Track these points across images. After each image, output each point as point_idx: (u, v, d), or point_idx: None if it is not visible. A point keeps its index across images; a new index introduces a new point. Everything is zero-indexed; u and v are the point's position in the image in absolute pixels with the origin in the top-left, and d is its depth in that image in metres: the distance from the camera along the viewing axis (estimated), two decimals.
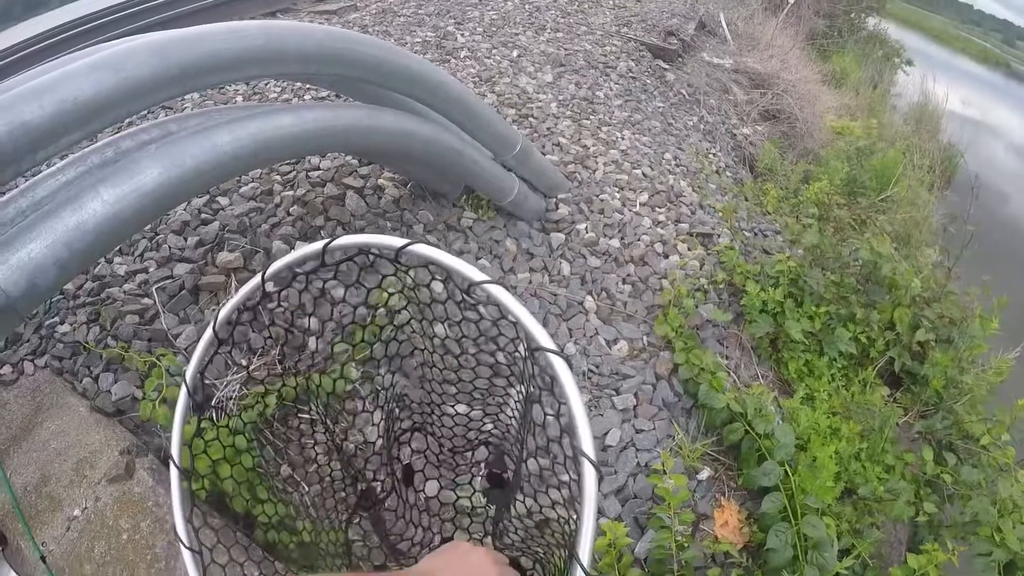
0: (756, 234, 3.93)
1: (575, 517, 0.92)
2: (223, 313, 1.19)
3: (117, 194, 1.61)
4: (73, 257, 1.55)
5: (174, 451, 1.15)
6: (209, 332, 1.18)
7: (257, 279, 1.16)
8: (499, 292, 0.98)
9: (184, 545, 1.08)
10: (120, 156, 1.82)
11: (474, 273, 0.99)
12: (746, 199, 4.34)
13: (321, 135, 2.12)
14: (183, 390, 1.17)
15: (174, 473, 1.13)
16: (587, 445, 0.85)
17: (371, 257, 1.14)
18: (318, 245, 1.11)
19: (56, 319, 2.32)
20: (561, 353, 0.89)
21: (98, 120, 1.54)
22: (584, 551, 0.81)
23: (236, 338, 2.11)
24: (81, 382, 2.11)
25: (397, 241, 1.03)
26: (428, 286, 1.31)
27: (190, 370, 1.18)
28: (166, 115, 2.90)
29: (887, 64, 14.03)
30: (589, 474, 0.84)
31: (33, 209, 1.64)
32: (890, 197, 5.88)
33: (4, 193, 1.70)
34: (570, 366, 0.89)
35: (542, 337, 0.92)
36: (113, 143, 1.88)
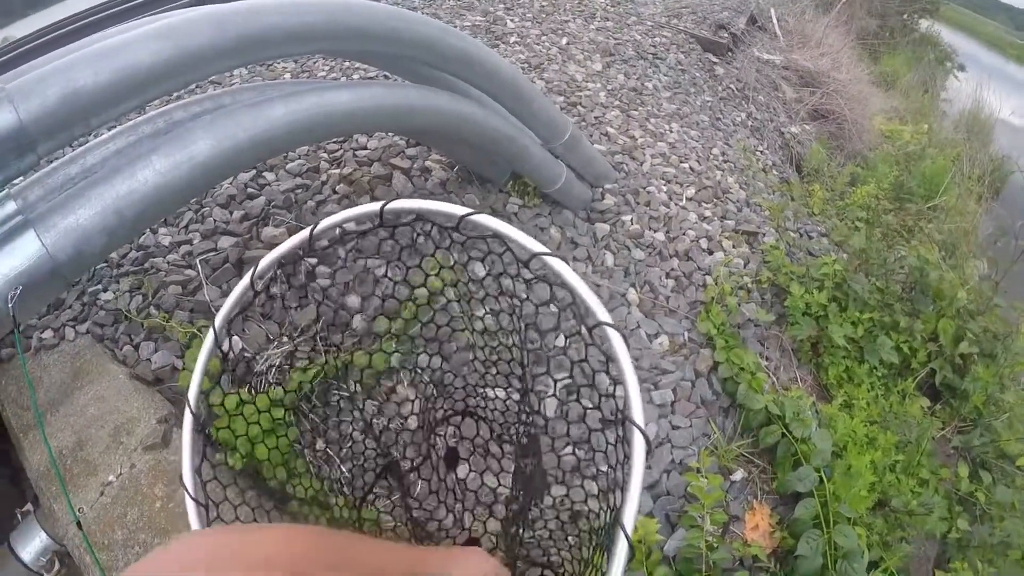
0: (802, 235, 3.88)
1: (607, 508, 0.92)
2: (264, 264, 1.17)
3: (169, 164, 1.61)
4: (122, 225, 1.55)
5: (191, 395, 1.11)
6: (246, 280, 1.16)
7: (305, 233, 1.13)
8: (560, 266, 0.95)
9: (189, 495, 1.05)
10: (172, 127, 1.82)
11: (534, 245, 0.96)
12: (792, 199, 4.27)
13: (377, 113, 2.10)
14: (210, 335, 1.14)
15: (187, 420, 1.10)
16: (638, 415, 0.85)
17: (430, 226, 1.12)
18: (375, 205, 1.09)
19: (99, 286, 2.33)
20: (618, 327, 0.89)
21: (154, 89, 1.54)
22: (628, 519, 0.80)
23: (277, 315, 2.13)
24: (122, 350, 2.13)
25: (459, 209, 1.02)
26: (466, 267, 1.29)
27: (219, 316, 1.15)
28: (214, 90, 2.91)
29: (939, 68, 13.73)
30: (639, 443, 0.84)
31: (83, 176, 1.64)
32: (938, 205, 5.75)
33: (54, 160, 1.70)
34: (626, 342, 0.89)
35: (601, 312, 0.91)
36: (165, 113, 1.88)
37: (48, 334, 2.19)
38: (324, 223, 1.13)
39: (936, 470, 2.80)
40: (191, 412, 1.10)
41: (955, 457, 3.09)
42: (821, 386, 3.08)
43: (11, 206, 1.50)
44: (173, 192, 1.64)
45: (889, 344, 3.14)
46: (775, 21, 8.21)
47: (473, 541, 1.71)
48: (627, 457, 0.85)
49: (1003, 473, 2.93)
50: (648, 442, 0.84)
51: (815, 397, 2.92)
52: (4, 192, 1.51)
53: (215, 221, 2.54)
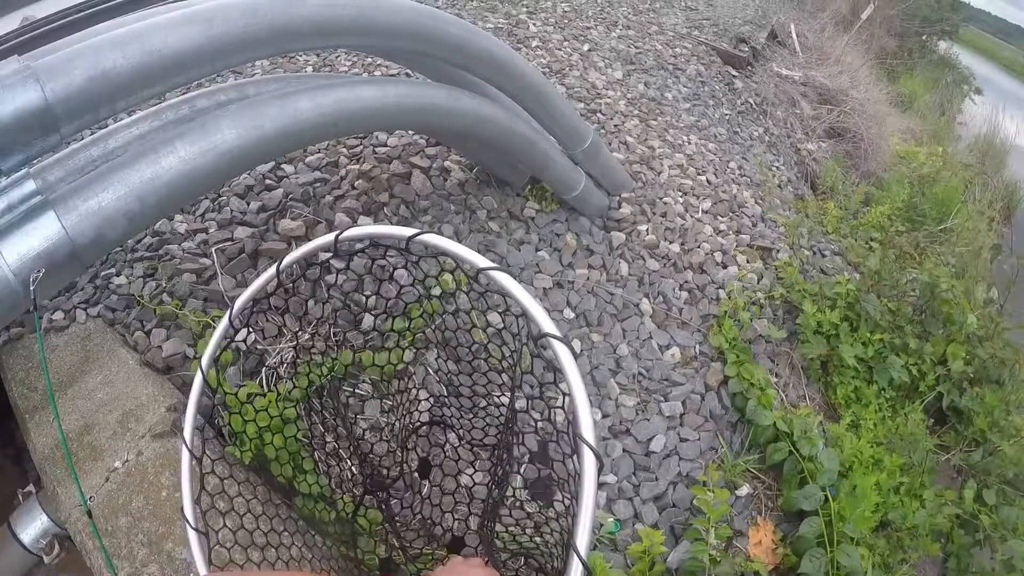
0: (815, 253, 3.87)
1: (570, 509, 0.92)
2: (239, 304, 1.24)
3: (194, 151, 1.60)
4: (143, 211, 1.54)
5: (186, 432, 1.15)
6: (225, 321, 1.24)
7: (272, 271, 1.20)
8: (504, 279, 0.99)
9: (190, 525, 1.08)
10: (196, 114, 1.83)
11: (480, 260, 1.01)
12: (807, 216, 4.26)
13: (401, 111, 2.11)
14: (198, 378, 1.19)
15: (185, 455, 1.13)
16: (588, 432, 0.85)
17: (383, 250, 1.17)
18: (330, 237, 1.16)
19: (112, 270, 2.32)
20: (565, 339, 0.90)
21: (183, 75, 1.53)
22: (582, 541, 0.80)
23: (293, 308, 2.13)
24: (133, 335, 2.12)
25: (406, 231, 1.07)
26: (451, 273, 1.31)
27: (205, 357, 1.22)
28: (236, 79, 2.90)
29: (956, 91, 13.69)
30: (589, 461, 0.83)
31: (104, 159, 1.63)
32: (949, 228, 5.74)
33: (74, 141, 1.69)
34: (573, 354, 0.89)
35: (546, 323, 0.92)
36: (189, 100, 1.88)
37: (59, 315, 2.18)
38: (287, 258, 1.21)
39: (941, 492, 2.79)
40: (187, 450, 1.13)
41: (959, 480, 3.08)
42: (829, 405, 3.07)
43: (30, 185, 1.49)
44: (197, 180, 1.63)
45: (899, 364, 3.13)
46: (795, 37, 8.20)
47: (458, 540, 1.73)
48: (579, 477, 0.84)
49: (1006, 496, 2.92)
50: (599, 460, 0.83)
51: (823, 416, 2.91)
52: (24, 171, 1.50)
53: (232, 211, 2.53)
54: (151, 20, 1.49)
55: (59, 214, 1.43)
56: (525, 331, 1.07)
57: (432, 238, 1.06)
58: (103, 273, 2.31)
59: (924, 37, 15.00)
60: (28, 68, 1.31)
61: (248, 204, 2.57)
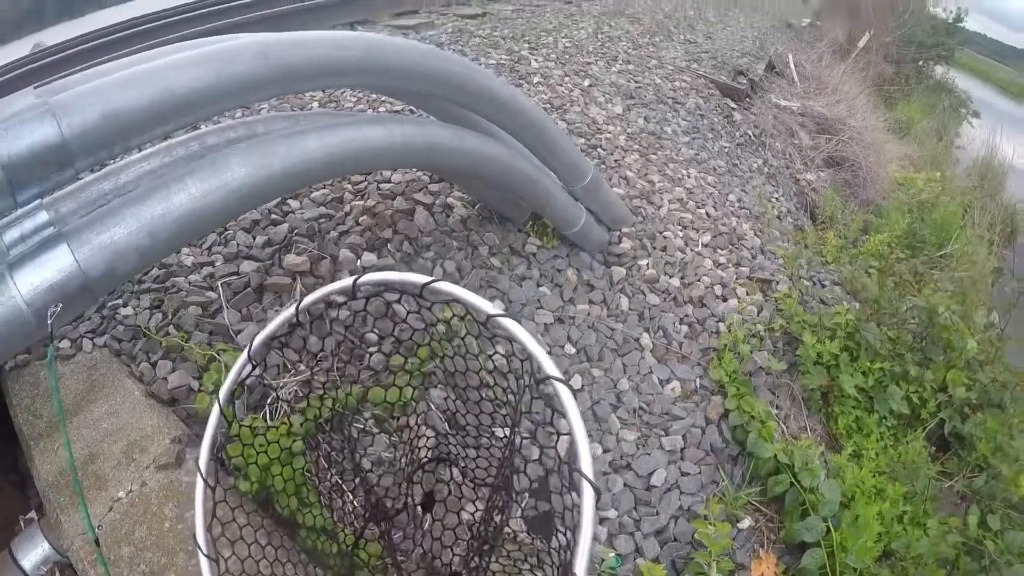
0: (815, 283, 3.91)
1: (570, 542, 0.98)
2: (258, 341, 1.30)
3: (204, 188, 1.65)
4: (155, 246, 1.58)
5: (202, 463, 1.21)
6: (244, 357, 1.29)
7: (291, 310, 1.28)
8: (511, 325, 1.08)
9: (202, 552, 1.14)
10: (206, 151, 1.88)
11: (488, 307, 1.11)
12: (806, 247, 4.31)
13: (406, 151, 2.17)
14: (215, 410, 1.24)
15: (200, 485, 1.18)
16: (586, 466, 0.92)
17: (398, 295, 1.25)
18: (348, 281, 1.25)
19: (119, 301, 2.34)
20: (566, 381, 0.97)
21: (194, 114, 1.59)
22: (580, 569, 0.85)
23: (295, 343, 2.17)
24: (138, 366, 2.13)
25: (421, 278, 1.16)
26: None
27: (223, 392, 1.29)
28: (244, 115, 2.96)
29: (953, 115, 13.81)
30: (588, 494, 0.90)
31: (116, 193, 1.68)
32: (949, 254, 5.78)
33: (87, 174, 1.71)
34: (574, 394, 0.96)
35: (549, 367, 1.00)
36: (199, 137, 1.93)
37: (65, 344, 2.20)
38: (307, 299, 1.28)
39: (945, 520, 2.79)
40: (202, 477, 1.18)
41: (964, 507, 3.08)
42: (831, 435, 3.09)
43: (43, 216, 1.53)
44: (207, 216, 1.68)
45: (900, 394, 3.15)
46: (793, 67, 8.32)
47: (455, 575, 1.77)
48: (576, 506, 0.90)
49: (1011, 521, 2.92)
50: (597, 492, 0.90)
51: (824, 446, 2.93)
52: (37, 202, 1.53)
53: (238, 245, 2.57)
54: (165, 60, 1.56)
55: (72, 247, 1.47)
56: (529, 373, 1.14)
57: (445, 286, 1.14)
58: (110, 303, 2.34)
59: (920, 63, 15.19)
60: (45, 104, 1.36)
61: (254, 238, 2.61)
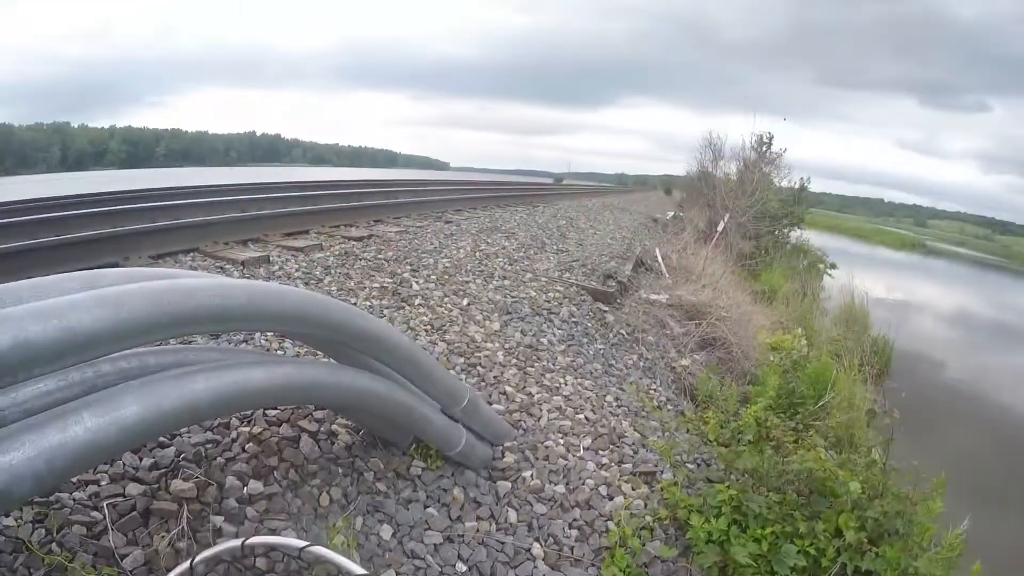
0: (699, 464, 4.12)
1: None
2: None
3: (99, 423, 1.74)
4: (51, 474, 1.64)
5: None
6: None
7: (186, 565, 1.44)
8: None
9: None
10: (100, 379, 1.96)
11: (357, 569, 1.37)
12: (687, 431, 4.59)
13: (289, 389, 2.37)
14: None
15: None
16: None
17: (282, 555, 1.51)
18: (237, 543, 1.54)
19: None
20: None
21: (93, 352, 1.71)
22: None
23: None
24: None
25: (298, 543, 1.43)
26: None
27: None
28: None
29: (812, 272, 15.17)
30: None
31: (13, 412, 1.74)
32: (827, 403, 6.21)
33: None
34: None
35: None
36: (93, 364, 2.00)
37: None
38: (201, 555, 1.49)
39: None
40: None
41: None
42: None
43: None
44: (101, 449, 1.76)
45: (794, 551, 3.30)
46: (660, 260, 9.15)
47: None
48: None
49: None
50: None
51: None
52: None
53: (124, 465, 2.54)
54: (70, 298, 1.69)
55: None
56: None
57: (320, 550, 1.40)
58: None
59: (776, 232, 16.79)
60: None
61: (141, 460, 2.59)
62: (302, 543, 1.41)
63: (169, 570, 1.76)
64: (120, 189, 9.34)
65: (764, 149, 18.72)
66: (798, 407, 5.94)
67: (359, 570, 1.36)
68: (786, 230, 18.36)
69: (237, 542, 1.47)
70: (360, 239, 7.51)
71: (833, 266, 16.93)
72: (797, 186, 21.01)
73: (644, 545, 3.13)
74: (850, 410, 6.53)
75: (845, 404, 6.57)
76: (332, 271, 5.90)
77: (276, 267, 5.86)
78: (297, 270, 5.82)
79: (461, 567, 2.79)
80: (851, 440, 6.12)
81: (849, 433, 6.22)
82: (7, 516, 2.23)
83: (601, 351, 5.57)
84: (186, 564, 1.48)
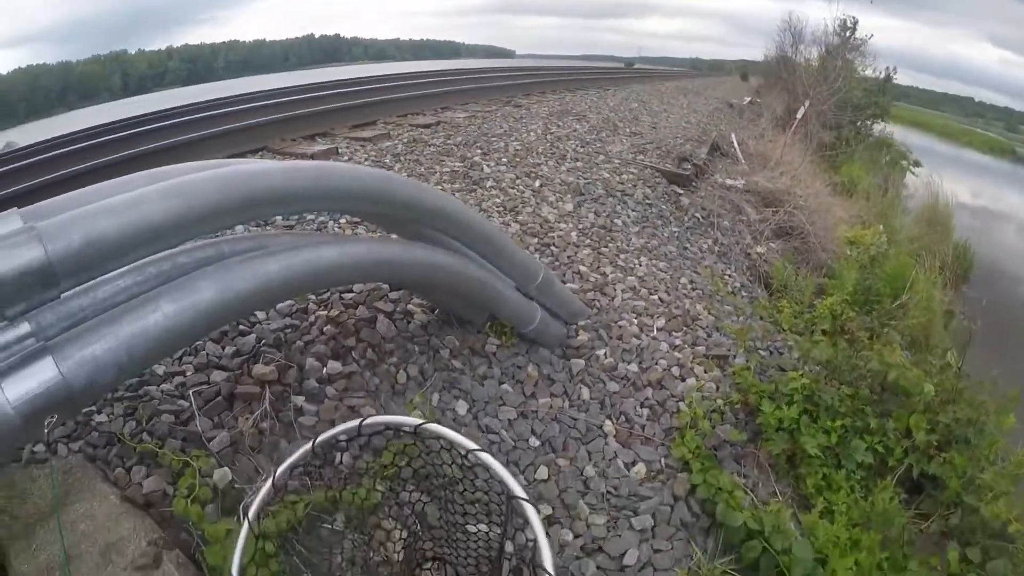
0: (772, 352, 4.09)
1: None
2: (280, 471, 1.57)
3: (176, 309, 1.78)
4: (131, 362, 1.71)
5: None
6: (268, 484, 1.55)
7: (308, 446, 1.59)
8: (487, 458, 1.41)
9: None
10: (176, 270, 1.98)
11: (469, 444, 1.46)
12: (761, 318, 4.53)
13: (361, 267, 2.38)
14: (244, 528, 1.46)
15: None
16: (548, 564, 1.20)
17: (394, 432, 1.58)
18: (355, 423, 1.58)
19: (93, 407, 2.37)
20: (531, 500, 1.29)
21: (165, 242, 1.76)
22: None
23: (265, 447, 2.30)
24: (113, 471, 2.17)
25: (415, 421, 1.51)
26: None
27: (252, 511, 1.53)
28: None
29: (895, 168, 14.44)
30: None
31: (94, 309, 1.77)
32: (904, 303, 6.02)
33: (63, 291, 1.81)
34: (537, 510, 1.25)
35: (517, 489, 1.34)
36: (170, 257, 2.02)
37: (40, 448, 2.21)
38: (321, 437, 1.59)
39: (926, 560, 2.88)
40: None
41: (943, 545, 3.17)
42: (801, 496, 3.20)
43: (25, 327, 1.62)
44: (179, 335, 1.82)
45: (863, 447, 3.28)
46: (736, 146, 8.79)
47: None
48: None
49: (988, 554, 3.01)
50: None
51: (796, 508, 3.04)
52: (21, 316, 1.63)
53: (208, 355, 2.66)
54: (140, 192, 1.71)
55: (56, 360, 1.57)
56: (502, 492, 1.43)
57: (434, 427, 1.50)
58: (85, 410, 2.33)
59: (858, 123, 15.90)
60: (32, 229, 1.51)
61: (223, 348, 2.70)
62: (418, 420, 1.49)
63: (282, 456, 1.83)
64: (181, 104, 9.20)
65: (848, 35, 17.61)
66: (874, 304, 5.78)
67: (472, 445, 1.42)
68: (869, 122, 17.42)
69: (355, 422, 1.56)
70: (428, 126, 7.36)
71: (917, 163, 16.04)
72: (882, 76, 19.89)
73: (714, 428, 3.14)
74: (927, 312, 6.34)
75: (923, 305, 6.37)
76: (401, 158, 5.82)
77: (345, 157, 5.80)
78: (366, 159, 5.75)
79: (534, 441, 2.85)
80: (927, 342, 5.97)
81: (925, 335, 6.06)
82: (99, 413, 2.36)
83: (676, 234, 5.46)
84: (308, 446, 1.56)
